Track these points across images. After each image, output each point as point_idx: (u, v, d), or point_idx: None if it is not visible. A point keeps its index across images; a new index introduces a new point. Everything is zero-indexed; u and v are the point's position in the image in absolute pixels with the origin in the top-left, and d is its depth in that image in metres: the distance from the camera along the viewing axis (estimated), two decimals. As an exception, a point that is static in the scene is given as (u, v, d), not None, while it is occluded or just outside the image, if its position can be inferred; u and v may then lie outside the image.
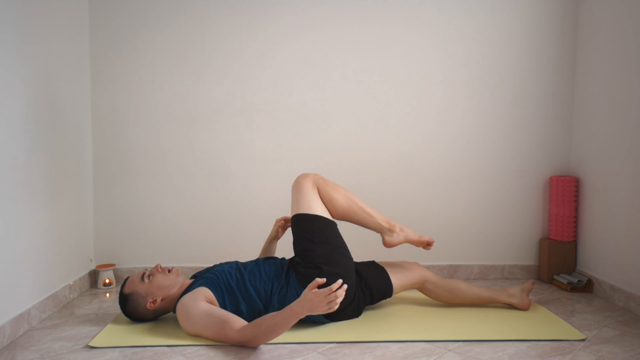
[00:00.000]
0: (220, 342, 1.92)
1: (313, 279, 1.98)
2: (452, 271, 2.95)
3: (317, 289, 1.76)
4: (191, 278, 2.23)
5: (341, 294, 1.74)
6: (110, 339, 1.98)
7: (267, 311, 2.04)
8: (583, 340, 2.00)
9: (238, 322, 1.88)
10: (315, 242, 2.12)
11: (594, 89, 2.73)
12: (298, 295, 2.03)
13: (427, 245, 2.29)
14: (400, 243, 2.26)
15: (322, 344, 1.95)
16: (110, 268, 2.77)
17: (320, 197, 2.23)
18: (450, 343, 1.96)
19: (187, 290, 2.06)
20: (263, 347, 1.91)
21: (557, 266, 2.85)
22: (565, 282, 2.72)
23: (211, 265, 2.36)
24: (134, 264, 2.87)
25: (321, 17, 2.84)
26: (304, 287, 2.04)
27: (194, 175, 2.86)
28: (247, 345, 1.87)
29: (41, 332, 2.09)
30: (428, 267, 2.93)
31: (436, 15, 2.87)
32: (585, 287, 2.68)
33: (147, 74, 2.81)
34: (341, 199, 2.21)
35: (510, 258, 2.98)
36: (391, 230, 2.25)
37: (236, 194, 2.80)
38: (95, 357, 1.84)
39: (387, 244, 2.26)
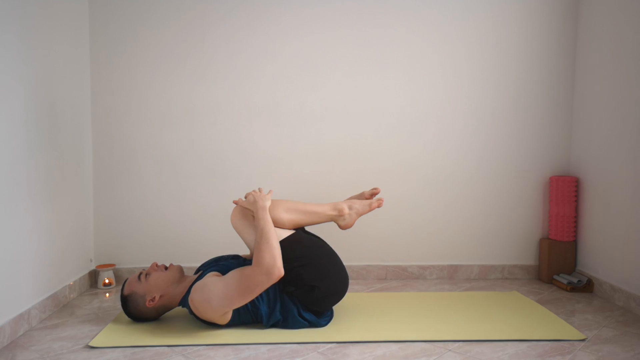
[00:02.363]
0: (248, 293, 1.93)
1: (313, 297, 2.04)
2: (452, 271, 2.95)
3: (250, 194, 2.13)
4: (197, 271, 2.24)
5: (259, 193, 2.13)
6: (110, 339, 1.98)
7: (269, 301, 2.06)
8: (583, 340, 2.00)
9: (248, 266, 1.98)
10: (296, 267, 2.04)
11: (594, 89, 2.73)
12: (296, 309, 2.06)
13: (378, 206, 2.30)
14: (355, 221, 2.30)
15: (322, 344, 1.95)
16: (110, 268, 2.77)
17: None
18: (450, 343, 1.96)
19: (196, 281, 2.08)
20: (263, 348, 1.91)
21: (557, 266, 2.85)
22: (565, 282, 2.72)
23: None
24: (134, 264, 2.87)
25: (321, 17, 2.84)
26: (304, 305, 2.07)
27: (194, 175, 2.86)
28: (268, 267, 1.93)
29: (41, 332, 2.09)
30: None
31: (436, 16, 2.87)
32: (585, 287, 2.68)
33: (147, 74, 2.81)
34: (283, 215, 2.15)
35: (510, 258, 2.98)
36: (340, 215, 2.26)
37: (236, 194, 2.79)
38: (95, 357, 1.84)
39: (343, 228, 2.30)
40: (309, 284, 2.03)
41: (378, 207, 2.30)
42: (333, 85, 2.87)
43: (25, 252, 2.12)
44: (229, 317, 2.02)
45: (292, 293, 2.05)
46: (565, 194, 2.81)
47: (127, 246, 2.86)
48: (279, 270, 1.94)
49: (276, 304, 2.05)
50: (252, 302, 2.03)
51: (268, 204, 2.10)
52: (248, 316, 2.06)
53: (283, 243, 2.07)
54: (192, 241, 2.86)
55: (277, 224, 2.15)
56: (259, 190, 2.17)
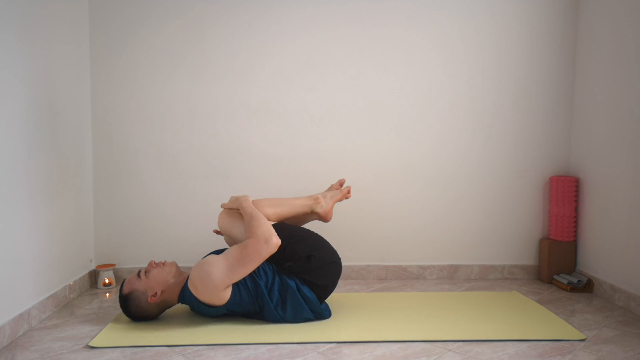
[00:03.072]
0: (249, 263, 2.03)
1: (311, 267, 2.13)
2: (452, 271, 2.95)
3: (231, 197, 2.30)
4: None
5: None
6: (110, 339, 1.98)
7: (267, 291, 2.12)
8: (583, 340, 2.00)
9: (246, 240, 2.09)
10: (289, 244, 2.15)
11: (594, 89, 2.73)
12: (295, 285, 2.12)
13: (347, 193, 2.49)
14: (332, 206, 2.44)
15: (322, 344, 1.95)
16: (110, 268, 2.77)
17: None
18: (450, 343, 1.96)
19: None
20: (263, 348, 1.91)
21: (557, 266, 2.85)
22: (565, 282, 2.72)
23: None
24: (134, 264, 2.87)
25: (321, 17, 2.84)
26: (303, 278, 2.13)
27: (193, 174, 2.86)
28: (266, 236, 2.06)
29: (41, 332, 2.09)
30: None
31: (436, 16, 2.87)
32: (585, 287, 2.68)
33: (147, 74, 2.81)
34: (267, 210, 2.27)
35: (510, 258, 2.98)
36: (317, 202, 2.40)
37: (236, 194, 2.80)
38: (95, 357, 1.84)
39: (323, 216, 2.42)
40: (304, 255, 2.13)
41: (347, 195, 2.49)
42: (333, 85, 2.87)
43: (25, 252, 2.12)
44: (228, 293, 2.04)
45: (289, 268, 2.12)
46: (565, 194, 2.81)
47: (127, 246, 2.86)
48: (276, 238, 2.07)
49: (274, 282, 2.10)
50: (252, 278, 2.07)
51: (250, 199, 2.26)
52: (248, 295, 2.07)
53: (275, 227, 2.18)
54: (192, 241, 2.86)
55: None
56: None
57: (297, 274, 2.12)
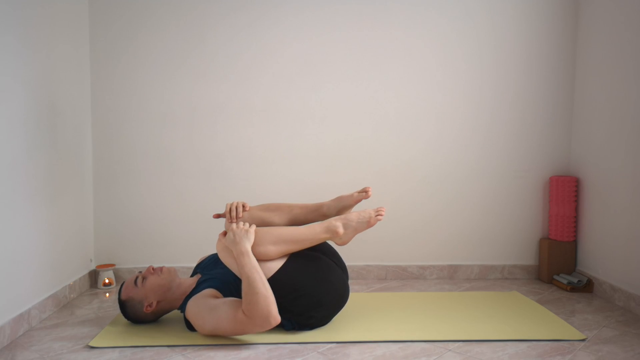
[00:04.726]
0: (239, 334, 1.90)
1: (311, 324, 2.04)
2: (452, 271, 2.95)
3: (229, 231, 1.97)
4: (194, 272, 2.25)
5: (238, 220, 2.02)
6: (110, 339, 1.98)
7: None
8: (583, 340, 2.00)
9: (240, 311, 1.87)
10: (291, 300, 1.97)
11: (594, 89, 2.73)
12: (292, 325, 2.03)
13: (377, 220, 2.04)
14: (352, 238, 2.06)
15: (322, 344, 1.95)
16: (110, 268, 2.77)
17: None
18: (450, 343, 1.96)
19: (194, 291, 2.06)
20: (263, 348, 1.91)
21: (557, 266, 2.85)
22: (565, 282, 2.72)
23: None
24: (134, 264, 2.87)
25: (321, 19, 2.84)
26: (301, 325, 2.04)
27: (194, 175, 2.86)
28: (263, 319, 1.83)
29: (41, 332, 2.09)
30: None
31: (435, 17, 2.87)
32: (585, 287, 2.68)
33: (147, 74, 2.81)
34: (270, 248, 1.97)
35: (510, 258, 2.98)
36: (336, 236, 2.02)
37: (236, 194, 2.80)
38: (95, 357, 1.84)
39: (340, 245, 2.08)
40: (305, 313, 2.00)
41: (377, 221, 2.04)
42: (333, 86, 2.87)
43: (26, 252, 2.12)
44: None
45: (288, 319, 2.02)
46: (565, 194, 2.81)
47: (127, 246, 2.86)
48: (274, 319, 1.84)
49: None
50: None
51: (249, 245, 1.93)
52: None
53: (274, 278, 1.94)
54: (192, 241, 2.86)
55: (265, 258, 1.98)
56: (237, 222, 2.00)
57: (296, 320, 2.03)
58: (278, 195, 2.79)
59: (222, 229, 2.80)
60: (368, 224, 2.04)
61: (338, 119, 2.88)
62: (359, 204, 2.33)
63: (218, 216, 2.16)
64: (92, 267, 2.81)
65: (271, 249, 1.97)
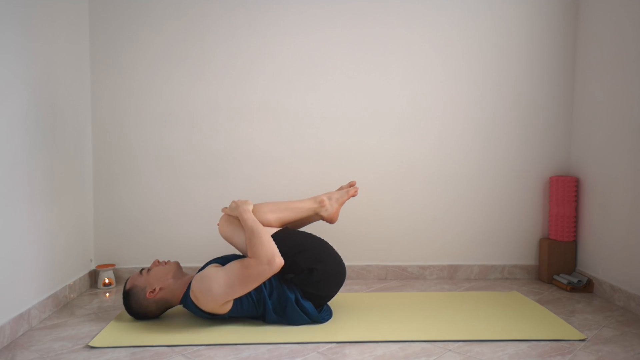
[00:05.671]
0: (248, 283, 1.99)
1: (313, 280, 2.08)
2: (452, 271, 2.95)
3: (231, 203, 2.22)
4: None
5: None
6: (110, 339, 1.98)
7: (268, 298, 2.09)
8: (583, 340, 2.00)
9: (246, 258, 2.04)
10: (291, 255, 2.09)
11: (594, 89, 2.73)
12: (294, 297, 2.09)
13: (354, 193, 2.39)
14: (338, 209, 2.38)
15: (322, 344, 1.95)
16: (110, 268, 2.77)
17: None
18: (450, 343, 1.96)
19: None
20: (263, 348, 1.91)
21: (557, 266, 2.85)
22: (565, 282, 2.72)
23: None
24: (134, 264, 2.87)
25: (321, 17, 2.84)
26: (304, 289, 2.11)
27: (194, 175, 2.86)
28: (269, 257, 1.99)
29: (41, 332, 2.09)
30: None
31: (436, 16, 2.87)
32: (585, 287, 2.68)
33: (147, 74, 2.81)
34: (269, 215, 2.23)
35: (510, 258, 2.98)
36: (322, 206, 2.33)
37: (236, 194, 2.80)
38: (95, 357, 1.84)
39: (328, 219, 2.37)
40: (306, 267, 2.08)
41: (354, 194, 2.39)
42: (333, 86, 2.87)
43: (25, 252, 2.12)
44: (230, 305, 2.04)
45: (291, 280, 2.09)
46: (565, 194, 2.81)
47: (127, 246, 2.86)
48: (279, 259, 2.01)
49: (273, 291, 2.08)
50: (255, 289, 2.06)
51: (250, 207, 2.19)
52: (250, 303, 2.06)
53: (274, 237, 2.13)
54: (192, 241, 2.86)
55: (264, 225, 2.21)
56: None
57: (299, 285, 2.10)
58: (278, 195, 2.79)
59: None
60: (347, 193, 2.38)
61: (338, 118, 2.88)
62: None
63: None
64: (92, 267, 2.81)
65: (270, 216, 2.23)
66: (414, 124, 2.90)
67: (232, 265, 2.04)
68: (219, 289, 1.98)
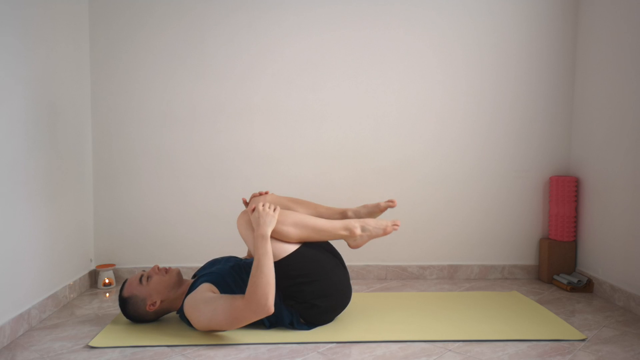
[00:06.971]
0: (234, 324, 1.89)
1: (313, 315, 2.05)
2: (452, 271, 2.95)
3: (257, 211, 1.97)
4: (192, 277, 2.23)
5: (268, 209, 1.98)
6: (110, 339, 1.98)
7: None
8: (583, 340, 2.00)
9: (240, 295, 1.91)
10: (299, 283, 2.01)
11: (594, 89, 2.73)
12: (290, 321, 2.05)
13: (392, 230, 2.13)
14: (365, 243, 2.14)
15: (322, 344, 1.95)
16: (110, 268, 2.77)
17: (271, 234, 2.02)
18: (450, 343, 1.96)
19: (190, 289, 2.06)
20: (263, 348, 1.91)
21: (557, 266, 2.85)
22: (565, 282, 2.72)
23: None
24: (134, 264, 2.87)
25: (321, 19, 2.84)
26: (302, 317, 2.07)
27: (194, 175, 2.86)
28: (258, 305, 1.84)
29: (41, 332, 2.09)
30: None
31: (435, 17, 2.87)
32: (585, 287, 2.68)
33: (147, 74, 2.81)
34: (290, 230, 2.02)
35: (510, 258, 2.98)
36: (352, 236, 2.10)
37: (236, 194, 2.80)
38: (95, 357, 1.84)
39: (353, 248, 2.16)
40: (309, 301, 2.02)
41: (393, 230, 2.13)
42: (333, 86, 2.87)
43: (25, 252, 2.12)
44: None
45: (291, 306, 2.04)
46: (565, 194, 2.81)
47: (127, 246, 2.86)
48: (268, 309, 1.86)
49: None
50: None
51: (270, 230, 1.96)
52: None
53: (287, 259, 1.99)
54: (192, 241, 2.86)
55: (283, 238, 2.02)
56: (263, 205, 2.00)
57: (298, 311, 2.05)
58: (278, 194, 2.79)
59: (224, 229, 2.81)
60: (384, 231, 2.11)
61: (338, 118, 2.88)
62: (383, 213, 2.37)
63: (246, 202, 2.23)
64: (92, 267, 2.81)
65: (291, 231, 2.02)
66: (414, 123, 2.90)
67: (222, 303, 1.90)
68: (206, 323, 1.91)
